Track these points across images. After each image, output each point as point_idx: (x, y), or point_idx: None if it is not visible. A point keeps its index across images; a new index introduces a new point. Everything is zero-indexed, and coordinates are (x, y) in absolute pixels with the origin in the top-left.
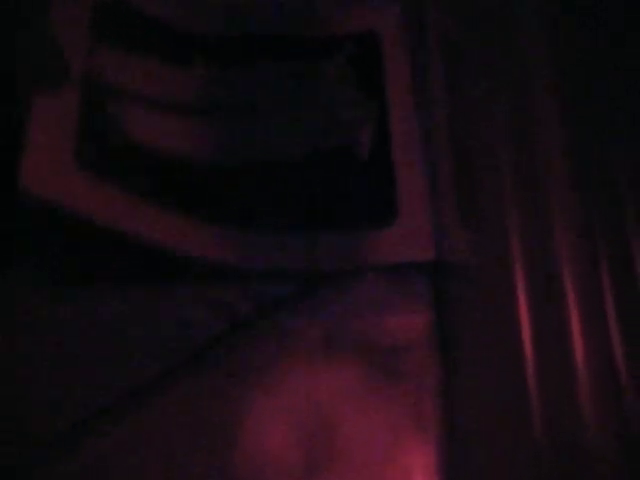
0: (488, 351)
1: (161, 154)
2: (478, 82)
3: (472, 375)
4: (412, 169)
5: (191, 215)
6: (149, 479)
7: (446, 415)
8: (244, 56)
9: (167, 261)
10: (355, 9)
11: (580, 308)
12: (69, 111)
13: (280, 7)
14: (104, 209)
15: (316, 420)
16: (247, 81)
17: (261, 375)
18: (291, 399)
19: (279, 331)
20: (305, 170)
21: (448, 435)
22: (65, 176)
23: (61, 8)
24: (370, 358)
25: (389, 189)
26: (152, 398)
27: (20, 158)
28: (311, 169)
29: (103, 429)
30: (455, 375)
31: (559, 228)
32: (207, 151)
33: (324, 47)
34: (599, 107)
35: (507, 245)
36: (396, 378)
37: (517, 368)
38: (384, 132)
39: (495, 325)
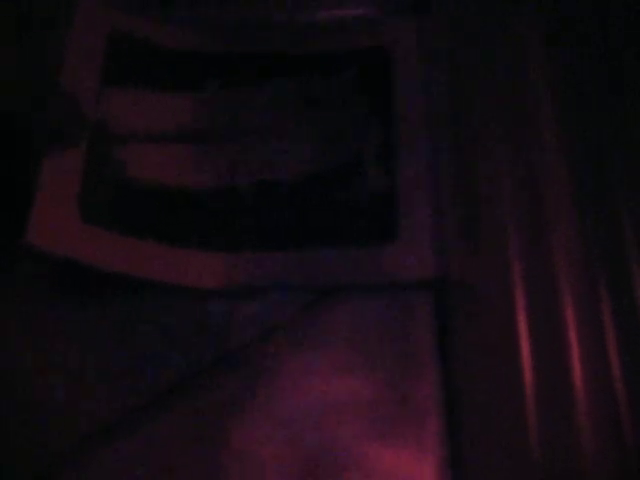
0: (487, 372)
1: (166, 188)
2: (481, 100)
3: (472, 396)
4: (415, 187)
5: (192, 244)
6: None
7: (447, 437)
8: (251, 76)
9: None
10: (366, 25)
11: (579, 330)
12: (76, 165)
13: (288, 24)
14: (106, 258)
15: (314, 437)
16: (253, 102)
17: (259, 393)
18: (289, 415)
19: (278, 350)
20: (307, 187)
21: (449, 457)
22: (68, 231)
23: (73, 58)
24: (371, 376)
25: (391, 206)
26: (152, 415)
27: (28, 213)
28: (313, 186)
29: (104, 445)
30: (456, 395)
31: (559, 249)
32: (214, 176)
33: (330, 61)
34: (600, 127)
35: (507, 265)
36: (397, 398)
37: (516, 390)
38: (389, 148)
39: (494, 345)
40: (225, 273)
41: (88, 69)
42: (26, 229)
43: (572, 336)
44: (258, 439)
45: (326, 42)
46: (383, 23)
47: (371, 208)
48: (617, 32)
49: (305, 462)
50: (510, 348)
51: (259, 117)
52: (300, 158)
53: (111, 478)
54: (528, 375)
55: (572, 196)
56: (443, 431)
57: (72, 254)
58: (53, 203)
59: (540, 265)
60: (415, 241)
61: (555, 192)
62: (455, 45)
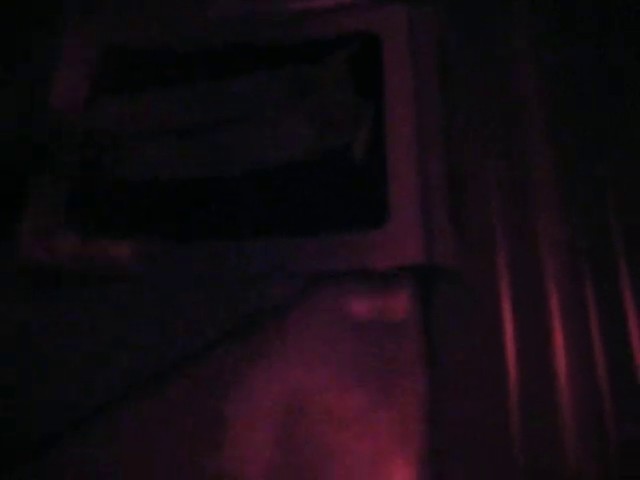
0: (472, 362)
1: (158, 184)
2: (470, 93)
3: (455, 385)
4: (405, 172)
5: (192, 237)
6: (134, 476)
7: (429, 426)
8: (241, 66)
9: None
10: (358, 11)
11: (563, 317)
12: (62, 176)
13: (275, 13)
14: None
15: (301, 424)
16: (243, 91)
17: (249, 378)
18: (277, 401)
19: (270, 336)
20: (299, 173)
21: (431, 447)
22: (55, 241)
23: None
24: (356, 373)
25: (381, 191)
26: (141, 397)
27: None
28: (305, 172)
29: (91, 428)
30: (439, 384)
31: (544, 235)
32: (204, 167)
33: (322, 49)
34: (587, 123)
35: (493, 251)
36: (381, 385)
37: (499, 376)
38: (379, 134)
39: (479, 335)
40: (217, 262)
41: (78, 82)
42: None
43: (556, 323)
44: (244, 424)
45: (315, 29)
46: (373, 10)
47: (361, 193)
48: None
49: (290, 451)
50: (494, 334)
51: (248, 106)
52: (290, 145)
53: (104, 454)
54: (512, 360)
55: (558, 184)
56: (425, 420)
57: (64, 266)
58: (41, 220)
59: (525, 252)
60: (405, 226)
61: (541, 179)
62: (448, 33)
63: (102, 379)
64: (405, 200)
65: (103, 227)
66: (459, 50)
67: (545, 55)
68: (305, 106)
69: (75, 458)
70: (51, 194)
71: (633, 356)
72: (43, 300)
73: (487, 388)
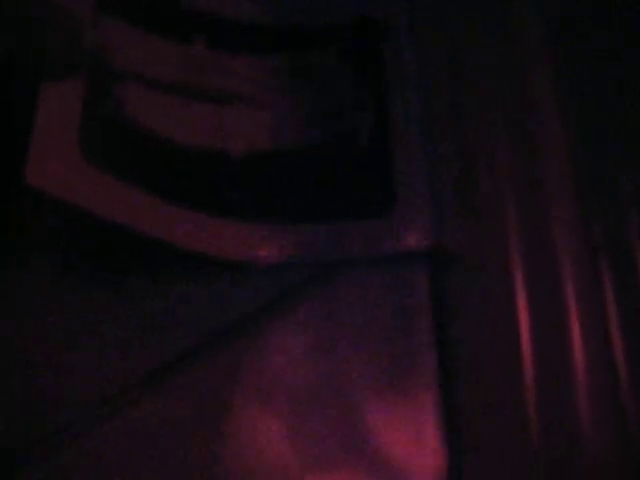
0: (486, 347)
1: (161, 139)
2: (480, 78)
3: (470, 375)
4: (411, 156)
5: (189, 206)
6: (139, 473)
7: (444, 416)
8: (242, 44)
9: (167, 253)
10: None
11: (579, 302)
12: (74, 99)
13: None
14: (107, 204)
15: (311, 420)
16: (244, 70)
17: (256, 373)
18: (286, 398)
19: (276, 330)
20: (304, 158)
21: (447, 438)
22: (70, 171)
23: None
24: (368, 358)
25: (387, 176)
26: (144, 394)
27: (25, 152)
28: (310, 157)
29: (93, 425)
30: (453, 377)
31: (558, 221)
32: (205, 138)
33: (324, 34)
34: (600, 113)
35: (506, 236)
36: (395, 380)
37: (515, 363)
38: (384, 119)
39: (493, 317)
40: (208, 237)
41: None
42: (25, 170)
43: (572, 309)
44: (251, 421)
45: (318, 14)
46: None
47: (368, 179)
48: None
49: (299, 447)
50: (509, 320)
51: (253, 86)
52: (295, 130)
53: (98, 459)
54: (526, 345)
55: (572, 168)
56: (441, 409)
57: (74, 198)
58: (52, 141)
59: (539, 237)
60: (413, 211)
61: (555, 163)
62: (451, 21)
63: (103, 377)
64: (412, 184)
65: (110, 164)
66: (464, 35)
67: (559, 46)
68: (308, 92)
69: (77, 457)
70: (63, 115)
71: None
72: (46, 297)
73: (501, 373)
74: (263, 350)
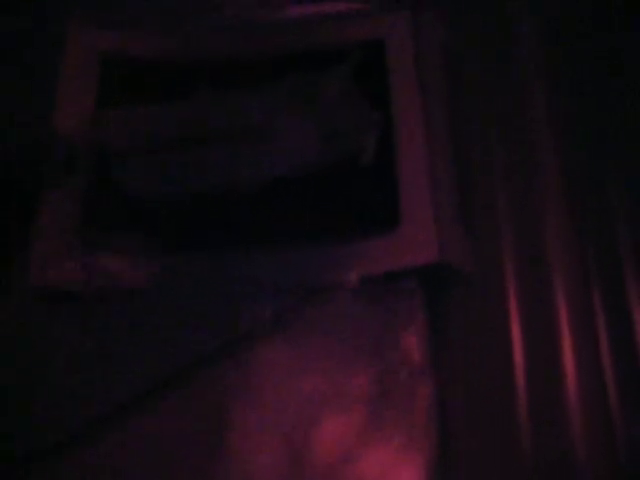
0: (480, 365)
1: (167, 197)
2: (477, 96)
3: (463, 389)
4: (416, 176)
5: (205, 250)
6: None
7: (436, 430)
8: (244, 77)
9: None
10: (361, 18)
11: (570, 318)
12: (74, 193)
13: (283, 22)
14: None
15: (307, 436)
16: (249, 102)
17: (254, 390)
18: (282, 414)
19: (273, 348)
20: (307, 183)
21: (437, 452)
22: (70, 262)
23: (68, 83)
24: (364, 373)
25: (392, 196)
26: (143, 411)
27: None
28: (314, 181)
29: (91, 442)
30: (446, 391)
31: (553, 240)
32: (213, 180)
33: (327, 57)
34: (596, 127)
35: (501, 255)
36: (389, 395)
37: (508, 383)
38: (389, 139)
39: (487, 337)
40: (224, 274)
41: (83, 95)
42: (29, 272)
43: (564, 326)
44: (246, 438)
45: (319, 38)
46: (378, 17)
47: (373, 198)
48: (617, 32)
49: (294, 459)
50: (502, 336)
51: (256, 117)
52: (301, 155)
53: (109, 465)
54: (519, 363)
55: (565, 186)
56: (433, 425)
57: (77, 286)
58: (54, 240)
59: (533, 254)
60: (418, 227)
61: (548, 181)
62: (452, 38)
63: (105, 392)
64: (416, 202)
65: (118, 244)
66: (464, 53)
67: (556, 59)
68: (311, 115)
69: (75, 472)
70: (63, 212)
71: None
72: (47, 316)
73: (495, 390)
74: (256, 372)
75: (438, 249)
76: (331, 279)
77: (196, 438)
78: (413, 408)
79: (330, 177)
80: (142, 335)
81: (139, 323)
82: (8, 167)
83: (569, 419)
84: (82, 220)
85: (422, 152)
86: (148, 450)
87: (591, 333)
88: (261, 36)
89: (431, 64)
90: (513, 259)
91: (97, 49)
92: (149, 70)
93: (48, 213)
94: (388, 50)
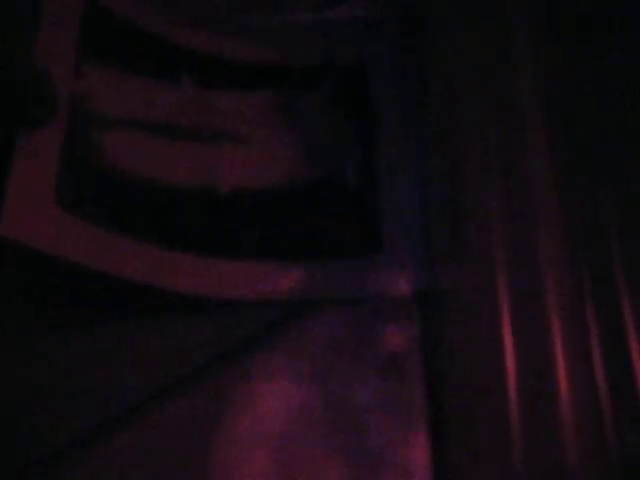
0: (472, 383)
1: (145, 182)
2: (467, 111)
3: (456, 406)
4: (399, 199)
5: (174, 247)
6: None
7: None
8: (230, 81)
9: (151, 294)
10: (342, 40)
11: (564, 340)
12: (52, 145)
13: (269, 36)
14: (84, 250)
15: (297, 445)
16: (232, 107)
17: (246, 400)
18: (274, 424)
19: (264, 360)
20: (290, 200)
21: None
22: (45, 219)
23: (49, 27)
24: (350, 387)
25: (375, 218)
26: (135, 422)
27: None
28: (297, 199)
29: (83, 453)
30: (440, 407)
31: (545, 257)
32: (192, 178)
33: (310, 76)
34: (588, 143)
35: (493, 274)
36: (380, 407)
37: (500, 400)
38: (372, 159)
39: (479, 355)
40: (196, 277)
41: (64, 40)
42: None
43: (557, 346)
44: (239, 447)
45: (305, 54)
46: (362, 33)
47: (355, 220)
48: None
49: (286, 473)
50: (495, 354)
51: (240, 123)
52: (282, 167)
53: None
54: (512, 380)
55: (558, 205)
56: (428, 442)
57: (51, 249)
58: (28, 191)
59: (525, 271)
60: (399, 253)
61: (541, 202)
62: (440, 56)
63: (92, 407)
64: (400, 223)
65: (89, 212)
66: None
67: (548, 71)
68: (294, 130)
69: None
70: (39, 164)
71: (633, 372)
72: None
73: (488, 408)
74: (236, 387)
75: (419, 279)
76: (318, 296)
77: (184, 453)
78: (408, 421)
79: (312, 195)
80: (127, 351)
81: (124, 341)
82: None
83: (562, 433)
84: (57, 175)
85: (406, 174)
86: (140, 461)
87: (584, 348)
88: (248, 47)
89: (415, 83)
90: (505, 274)
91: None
92: (134, 37)
93: (23, 162)
94: (371, 69)
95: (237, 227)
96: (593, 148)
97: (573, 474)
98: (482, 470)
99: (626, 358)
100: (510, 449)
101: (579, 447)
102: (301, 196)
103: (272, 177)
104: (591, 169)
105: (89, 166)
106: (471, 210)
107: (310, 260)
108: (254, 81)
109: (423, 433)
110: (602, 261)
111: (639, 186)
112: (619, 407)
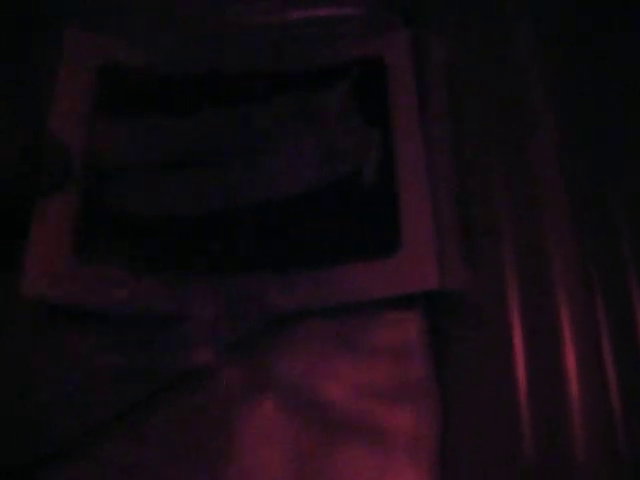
0: (482, 389)
1: (162, 218)
2: (478, 115)
3: (465, 412)
4: (417, 198)
5: (191, 272)
6: None
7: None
8: (245, 95)
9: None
10: (360, 36)
11: (576, 345)
12: (68, 206)
13: (283, 39)
14: (104, 297)
15: (309, 441)
16: (247, 121)
17: (253, 396)
18: (285, 421)
19: (274, 355)
20: (308, 203)
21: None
22: (64, 275)
23: (63, 89)
24: (366, 388)
25: (393, 218)
26: (144, 417)
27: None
28: (313, 201)
29: (90, 450)
30: (449, 414)
31: (556, 264)
32: (214, 200)
33: (327, 75)
34: (599, 141)
35: (503, 276)
36: (391, 408)
37: (510, 400)
38: (389, 160)
39: (490, 361)
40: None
41: (80, 104)
42: (20, 282)
43: (568, 345)
44: (251, 447)
45: (319, 56)
46: (378, 34)
47: (373, 221)
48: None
49: (298, 469)
50: (505, 357)
51: (256, 136)
52: (300, 175)
53: (111, 468)
54: (522, 382)
55: (569, 207)
56: (436, 445)
57: (76, 299)
58: (47, 250)
59: (535, 272)
60: (419, 251)
61: (552, 202)
62: (453, 55)
63: (102, 397)
64: (418, 226)
65: (110, 259)
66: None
67: (557, 70)
68: (311, 135)
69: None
70: (57, 222)
71: None
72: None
73: (498, 412)
74: (258, 380)
75: (439, 276)
76: (338, 300)
77: (198, 444)
78: (416, 430)
79: (329, 198)
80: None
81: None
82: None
83: (572, 432)
84: (76, 233)
85: (422, 173)
86: (140, 460)
87: (596, 350)
88: (262, 53)
89: (432, 82)
90: (515, 273)
91: (95, 57)
92: (147, 81)
93: (42, 224)
94: (388, 67)
95: (256, 239)
96: (593, 148)
97: (583, 473)
98: (492, 470)
99: (637, 357)
100: (520, 448)
101: (589, 446)
102: (317, 200)
103: (291, 185)
104: (595, 166)
105: (110, 215)
106: (478, 210)
107: (328, 263)
108: (267, 90)
109: (433, 436)
110: (612, 258)
111: None
112: (630, 406)
